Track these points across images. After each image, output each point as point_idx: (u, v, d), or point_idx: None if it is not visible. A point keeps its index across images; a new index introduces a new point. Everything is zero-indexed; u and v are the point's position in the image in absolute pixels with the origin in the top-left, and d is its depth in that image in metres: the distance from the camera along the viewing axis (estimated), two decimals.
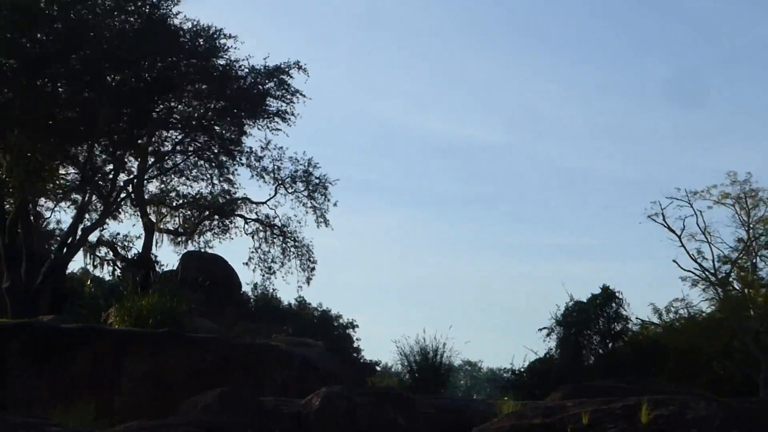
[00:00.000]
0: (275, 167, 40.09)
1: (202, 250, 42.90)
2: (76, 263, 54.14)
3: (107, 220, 38.91)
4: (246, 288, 63.81)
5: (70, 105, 30.99)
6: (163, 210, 40.05)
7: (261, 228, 40.86)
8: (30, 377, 22.71)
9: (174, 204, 40.31)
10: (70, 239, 33.21)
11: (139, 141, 37.27)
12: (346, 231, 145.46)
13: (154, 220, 39.63)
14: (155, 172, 39.28)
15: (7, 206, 31.42)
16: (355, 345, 75.29)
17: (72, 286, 45.13)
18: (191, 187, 40.14)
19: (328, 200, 40.54)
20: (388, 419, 17.95)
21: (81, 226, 34.29)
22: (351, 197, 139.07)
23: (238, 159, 38.35)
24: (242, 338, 26.90)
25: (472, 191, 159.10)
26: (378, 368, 71.18)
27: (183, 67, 35.06)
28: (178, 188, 40.18)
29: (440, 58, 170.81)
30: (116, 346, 24.11)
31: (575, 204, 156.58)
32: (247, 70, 37.01)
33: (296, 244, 40.62)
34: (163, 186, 40.18)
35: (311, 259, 41.04)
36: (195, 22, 35.79)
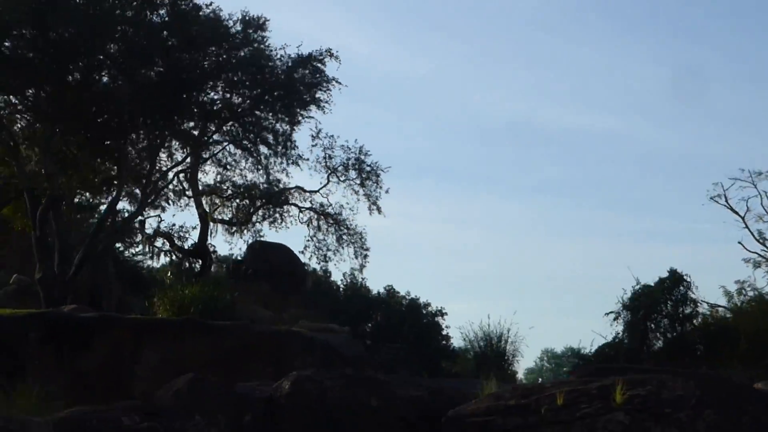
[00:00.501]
0: (326, 155, 40.43)
1: (267, 240, 43.33)
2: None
3: (159, 212, 39.68)
4: (335, 278, 64.61)
5: (99, 98, 31.35)
6: (217, 200, 40.43)
7: (315, 216, 41.10)
8: (49, 366, 23.00)
9: (227, 194, 40.61)
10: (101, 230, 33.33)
11: (194, 132, 37.80)
12: (421, 216, 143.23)
13: (208, 210, 40.07)
14: (201, 162, 39.70)
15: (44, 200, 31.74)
16: (444, 333, 75.06)
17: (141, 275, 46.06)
18: (245, 177, 40.55)
19: (380, 187, 40.69)
20: (360, 402, 17.91)
21: (118, 217, 34.80)
22: (417, 181, 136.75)
23: (275, 149, 38.48)
24: (264, 325, 26.94)
25: (536, 175, 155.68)
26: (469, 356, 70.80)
27: (215, 57, 35.37)
28: (232, 178, 40.58)
29: (497, 30, 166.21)
30: (133, 334, 24.35)
31: (635, 185, 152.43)
32: (284, 59, 37.20)
33: (349, 231, 40.80)
34: (216, 176, 40.68)
35: (364, 246, 41.33)
36: (245, 12, 36.11)
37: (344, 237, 40.97)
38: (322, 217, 41.07)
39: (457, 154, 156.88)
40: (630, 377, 18.84)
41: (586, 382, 18.44)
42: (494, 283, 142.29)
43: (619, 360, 42.82)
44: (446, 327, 77.06)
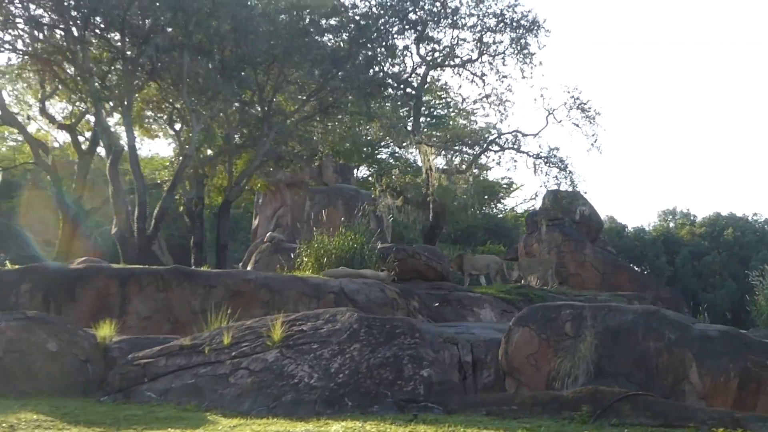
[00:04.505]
0: (542, 96, 38.81)
1: (561, 190, 41.38)
2: None
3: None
4: None
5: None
6: (435, 149, 38.66)
7: (536, 161, 38.38)
8: None
9: (445, 142, 38.87)
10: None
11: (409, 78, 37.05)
12: None
13: (429, 159, 38.49)
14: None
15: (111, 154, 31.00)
16: None
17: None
18: (473, 121, 39.14)
19: (599, 125, 38.59)
20: (37, 345, 16.36)
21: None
22: None
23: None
24: (256, 272, 25.40)
25: None
26: None
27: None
28: (452, 123, 39.06)
29: None
30: (119, 284, 24.05)
31: None
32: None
33: (569, 173, 37.83)
34: (428, 125, 39.37)
35: (577, 187, 38.76)
36: None
37: (566, 179, 37.97)
38: (541, 159, 38.12)
39: None
40: (304, 313, 16.32)
41: (275, 319, 15.74)
42: None
43: None
44: None
